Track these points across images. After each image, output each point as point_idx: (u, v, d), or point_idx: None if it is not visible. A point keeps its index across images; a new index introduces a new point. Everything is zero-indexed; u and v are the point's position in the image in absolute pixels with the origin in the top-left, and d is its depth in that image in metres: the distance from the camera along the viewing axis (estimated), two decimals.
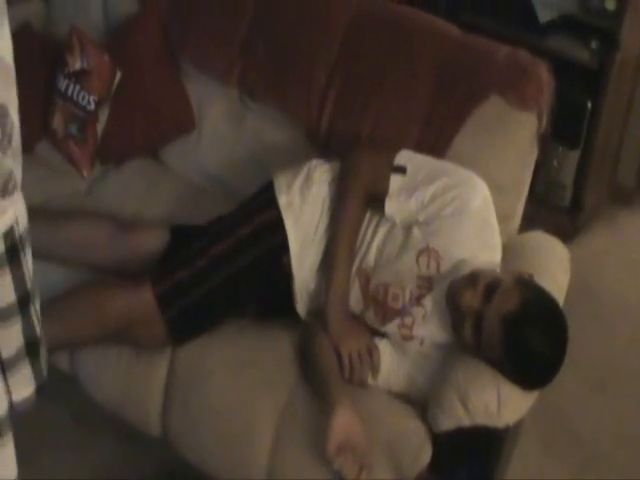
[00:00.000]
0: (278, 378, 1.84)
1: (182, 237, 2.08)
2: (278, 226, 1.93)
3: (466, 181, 1.87)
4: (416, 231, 1.86)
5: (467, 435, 1.68)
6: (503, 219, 1.96)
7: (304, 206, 1.95)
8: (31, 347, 1.41)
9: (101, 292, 1.90)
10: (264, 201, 1.99)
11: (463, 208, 1.83)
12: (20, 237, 1.29)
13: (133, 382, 1.94)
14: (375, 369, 1.84)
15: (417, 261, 1.85)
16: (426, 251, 1.84)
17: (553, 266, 1.98)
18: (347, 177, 1.94)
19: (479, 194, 1.86)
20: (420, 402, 1.79)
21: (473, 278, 1.73)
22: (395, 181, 1.88)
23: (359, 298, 1.91)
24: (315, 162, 2.04)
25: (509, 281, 1.71)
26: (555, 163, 3.16)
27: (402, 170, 1.90)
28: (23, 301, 1.35)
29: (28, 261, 1.33)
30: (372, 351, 1.85)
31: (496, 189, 1.92)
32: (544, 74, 2.08)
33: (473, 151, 2.06)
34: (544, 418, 2.40)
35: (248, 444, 1.80)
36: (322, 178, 1.99)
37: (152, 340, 1.90)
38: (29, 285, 1.34)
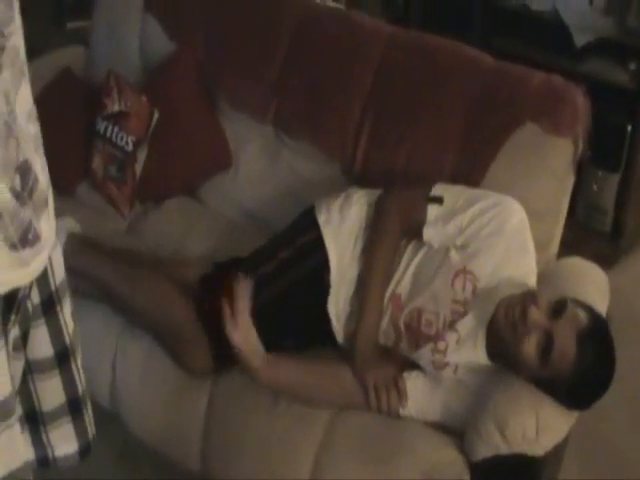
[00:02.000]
0: (316, 411, 1.84)
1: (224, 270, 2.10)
2: (319, 245, 1.97)
3: (503, 202, 1.88)
4: (453, 254, 1.87)
5: (505, 463, 1.66)
6: (541, 246, 1.94)
7: (342, 224, 1.99)
8: (73, 405, 1.42)
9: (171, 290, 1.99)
10: (305, 223, 2.04)
11: (500, 228, 1.84)
12: (57, 290, 1.31)
13: (173, 418, 1.96)
14: (402, 396, 1.82)
15: (453, 284, 1.85)
16: (462, 273, 1.84)
17: (591, 292, 1.95)
18: (382, 214, 1.96)
19: (516, 215, 1.86)
20: (457, 430, 1.78)
21: (532, 295, 1.74)
22: (432, 210, 1.90)
23: (390, 325, 1.91)
24: (354, 188, 2.09)
25: (571, 299, 1.72)
26: (595, 187, 3.13)
27: (439, 200, 1.91)
28: (61, 355, 1.35)
29: (66, 314, 1.34)
30: (397, 379, 1.84)
31: (533, 216, 1.90)
32: (579, 99, 2.07)
33: (509, 179, 2.05)
34: (587, 447, 2.35)
35: (288, 477, 1.80)
36: (361, 200, 2.03)
37: (195, 360, 1.92)
38: (68, 340, 1.35)
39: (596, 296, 1.96)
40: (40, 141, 1.16)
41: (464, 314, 1.83)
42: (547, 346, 1.66)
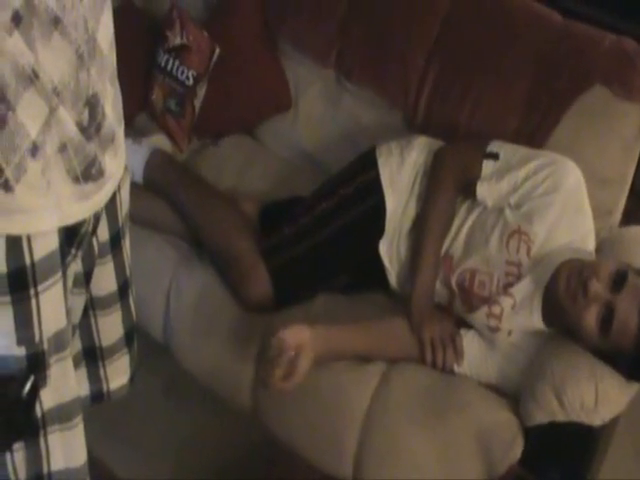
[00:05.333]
0: (370, 361, 1.85)
1: (275, 211, 2.15)
2: (377, 186, 1.99)
3: (559, 161, 1.85)
4: (508, 213, 1.86)
5: (561, 430, 1.67)
6: (605, 213, 1.93)
7: (402, 167, 2.00)
8: (129, 336, 1.44)
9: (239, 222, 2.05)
10: (365, 162, 2.06)
11: (555, 188, 1.81)
12: (122, 225, 1.32)
13: (225, 355, 1.97)
14: (459, 354, 1.84)
15: (507, 245, 1.84)
16: (517, 234, 1.83)
17: None
18: (438, 167, 1.95)
19: (572, 175, 1.83)
20: (512, 394, 1.78)
21: (593, 265, 1.71)
22: (487, 166, 1.89)
23: (442, 285, 1.92)
24: (417, 135, 2.10)
25: (632, 270, 1.70)
26: None
27: (495, 156, 1.90)
28: (123, 289, 1.37)
29: (128, 247, 1.36)
30: (454, 336, 1.85)
31: (598, 182, 1.88)
32: None
33: (574, 142, 2.03)
34: (638, 423, 2.37)
35: (338, 425, 1.82)
36: (422, 146, 2.04)
37: (253, 291, 1.94)
38: (128, 272, 1.37)
39: None
40: (116, 72, 1.15)
41: (519, 277, 1.82)
42: (608, 319, 1.64)
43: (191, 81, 2.45)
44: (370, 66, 2.35)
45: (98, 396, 1.45)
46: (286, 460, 1.99)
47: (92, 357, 1.41)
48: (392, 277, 2.00)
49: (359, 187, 2.01)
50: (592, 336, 1.68)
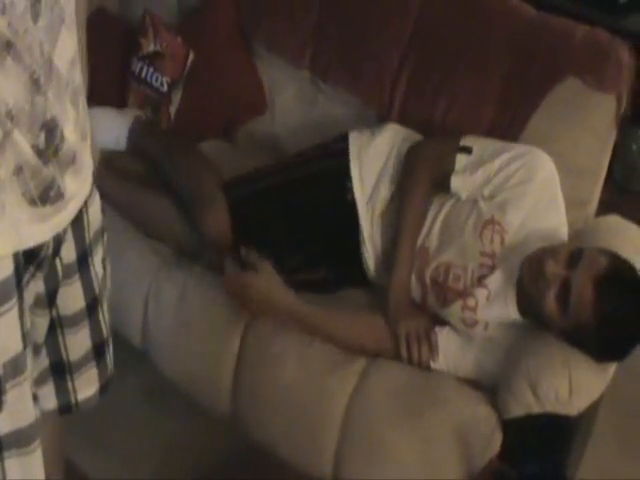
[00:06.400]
0: (350, 358, 1.84)
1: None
2: (346, 155, 2.03)
3: (532, 153, 1.86)
4: (481, 204, 1.86)
5: (537, 422, 1.66)
6: (580, 204, 1.92)
7: (371, 142, 2.04)
8: (98, 349, 1.43)
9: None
10: (337, 138, 2.10)
11: (528, 178, 1.83)
12: (90, 243, 1.30)
13: (204, 359, 1.96)
14: (433, 350, 1.83)
15: (481, 235, 1.84)
16: (490, 224, 1.83)
17: (629, 251, 1.93)
18: (413, 161, 1.96)
19: (545, 166, 1.85)
20: (490, 387, 1.77)
21: (552, 248, 1.72)
22: (461, 160, 1.90)
23: (416, 280, 1.92)
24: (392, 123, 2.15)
25: (592, 247, 1.70)
26: (634, 147, 3.08)
27: (468, 150, 1.91)
28: (91, 306, 1.36)
29: (97, 263, 1.34)
30: (429, 332, 1.84)
31: (573, 173, 1.88)
32: (624, 55, 2.03)
33: (548, 134, 2.02)
34: (620, 417, 2.35)
35: (317, 424, 1.81)
36: (394, 130, 2.08)
37: (213, 224, 2.00)
38: (97, 290, 1.35)
39: (633, 255, 1.93)
40: (83, 90, 1.14)
41: (493, 269, 1.82)
42: (565, 295, 1.64)
43: (165, 87, 2.45)
44: (344, 66, 2.35)
45: (66, 408, 1.44)
46: (267, 465, 1.98)
47: (60, 372, 1.40)
48: (370, 263, 2.00)
49: (327, 151, 2.09)
50: (555, 317, 1.68)
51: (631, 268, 1.70)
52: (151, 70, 2.46)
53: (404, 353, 1.83)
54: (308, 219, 2.02)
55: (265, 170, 2.13)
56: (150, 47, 2.47)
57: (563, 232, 1.88)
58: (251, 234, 2.00)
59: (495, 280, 1.81)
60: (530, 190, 1.82)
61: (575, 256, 1.67)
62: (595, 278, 1.63)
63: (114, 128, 2.30)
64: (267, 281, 1.84)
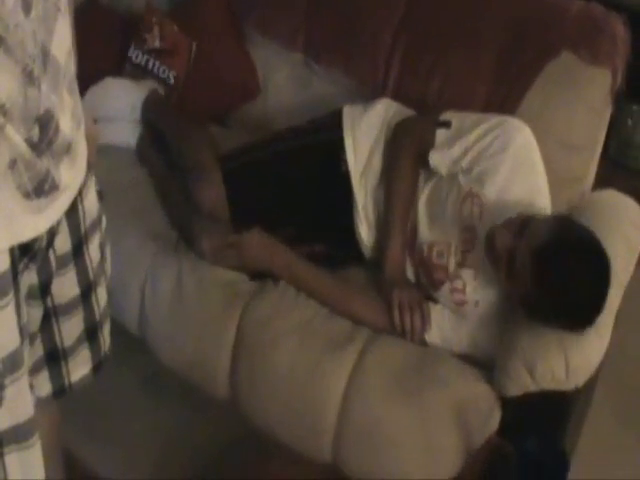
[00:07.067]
0: (346, 342, 1.83)
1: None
2: (339, 128, 2.03)
3: (507, 122, 1.83)
4: (460, 178, 1.85)
5: (535, 399, 1.65)
6: (575, 179, 1.91)
7: (364, 115, 2.04)
8: (91, 331, 1.42)
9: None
10: (330, 112, 2.11)
11: (504, 147, 1.79)
12: (86, 232, 1.30)
13: (201, 345, 1.95)
14: (425, 320, 1.82)
15: (461, 209, 1.83)
16: (469, 197, 1.82)
17: (625, 225, 1.92)
18: (400, 136, 1.96)
19: (520, 134, 1.81)
20: (486, 362, 1.76)
21: (508, 220, 1.70)
22: (440, 134, 1.88)
23: (408, 260, 1.92)
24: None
25: (542, 217, 1.67)
26: (630, 122, 3.06)
27: (447, 124, 1.90)
28: (85, 292, 1.36)
29: (92, 250, 1.34)
30: (422, 303, 1.84)
31: (568, 148, 1.86)
32: (619, 29, 2.01)
33: (544, 109, 2.01)
34: (618, 390, 2.34)
35: (316, 407, 1.80)
36: (387, 104, 2.08)
37: (207, 195, 2.02)
38: (92, 276, 1.35)
39: (630, 229, 1.93)
40: (64, 82, 1.13)
41: (474, 242, 1.81)
42: (510, 264, 1.63)
43: (172, 80, 2.45)
44: (338, 47, 2.34)
45: (60, 391, 1.44)
46: (269, 456, 1.98)
47: (54, 359, 1.40)
48: (364, 234, 2.00)
49: (321, 124, 2.10)
50: (509, 289, 1.67)
51: (584, 237, 1.66)
52: (157, 63, 2.46)
53: (397, 320, 1.82)
54: (302, 190, 2.02)
55: (259, 142, 2.14)
56: (156, 43, 2.47)
57: (542, 200, 1.83)
58: (245, 205, 2.02)
59: (477, 257, 1.80)
60: (506, 160, 1.79)
61: (523, 227, 1.65)
62: (533, 249, 1.60)
63: (130, 97, 2.33)
64: (262, 236, 1.90)
